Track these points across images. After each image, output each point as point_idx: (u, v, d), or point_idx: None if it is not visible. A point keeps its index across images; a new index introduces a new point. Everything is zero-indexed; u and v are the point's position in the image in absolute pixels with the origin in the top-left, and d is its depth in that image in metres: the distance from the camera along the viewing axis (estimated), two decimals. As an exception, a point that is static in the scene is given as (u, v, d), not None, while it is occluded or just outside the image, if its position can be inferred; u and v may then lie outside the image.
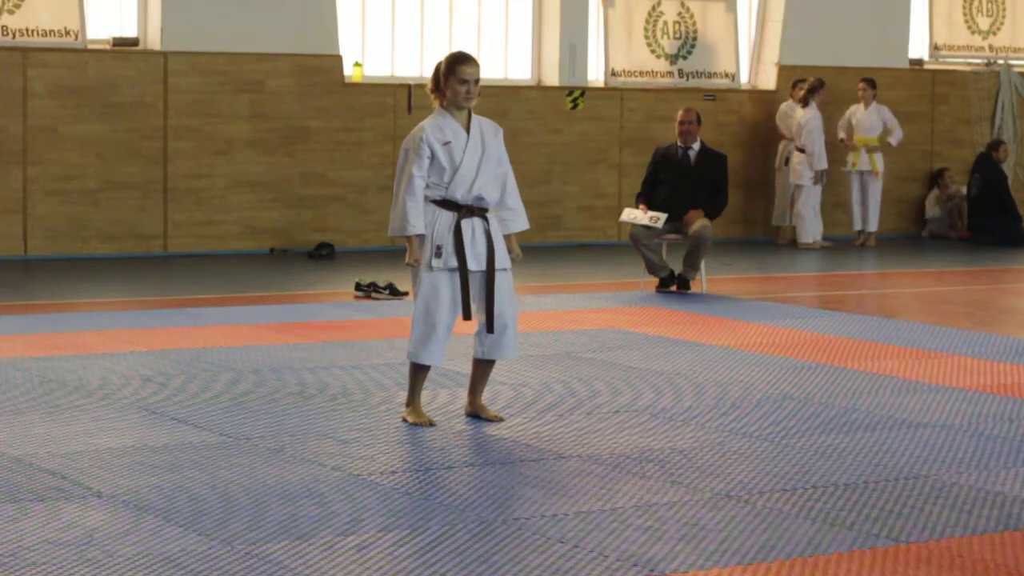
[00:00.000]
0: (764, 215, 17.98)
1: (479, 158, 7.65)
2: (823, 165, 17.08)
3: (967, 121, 19.16)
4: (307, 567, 5.33)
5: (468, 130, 7.68)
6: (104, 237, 14.81)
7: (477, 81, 7.64)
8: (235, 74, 15.25)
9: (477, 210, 7.67)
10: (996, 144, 18.45)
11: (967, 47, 19.39)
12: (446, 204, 7.65)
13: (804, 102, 17.06)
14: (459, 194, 7.63)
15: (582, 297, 12.53)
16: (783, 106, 17.60)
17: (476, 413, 7.90)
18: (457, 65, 7.63)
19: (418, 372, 7.78)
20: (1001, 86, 19.24)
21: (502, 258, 7.73)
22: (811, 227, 17.10)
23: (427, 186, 7.64)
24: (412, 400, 7.80)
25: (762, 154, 17.90)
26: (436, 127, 7.67)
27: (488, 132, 7.75)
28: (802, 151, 17.05)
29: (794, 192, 17.27)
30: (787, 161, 17.46)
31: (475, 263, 7.64)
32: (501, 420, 7.83)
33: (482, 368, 7.86)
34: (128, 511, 5.96)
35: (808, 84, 17.09)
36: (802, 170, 17.07)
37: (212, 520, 5.86)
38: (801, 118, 17.04)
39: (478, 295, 7.69)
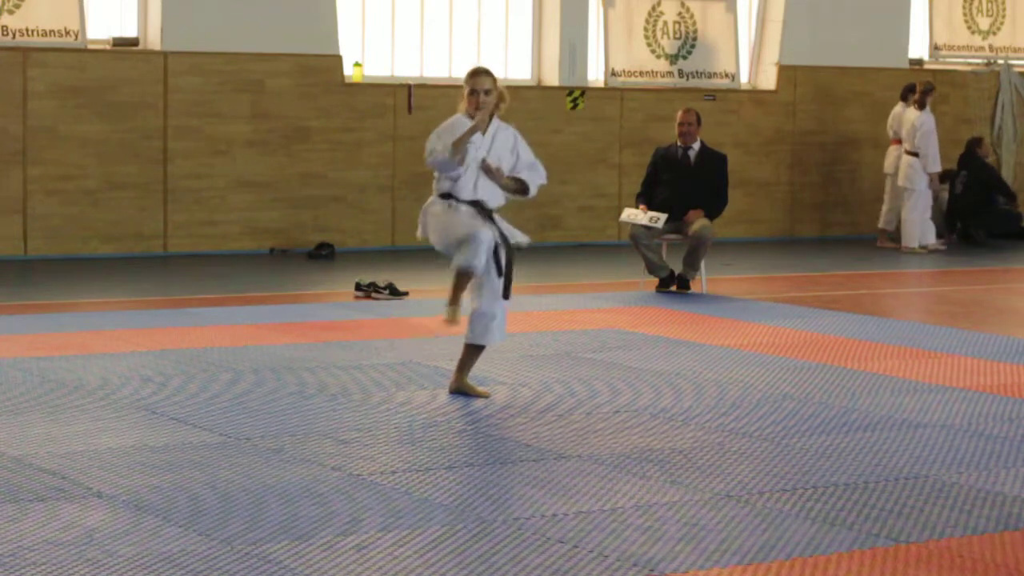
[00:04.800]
0: (769, 215, 17.98)
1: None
2: (937, 168, 16.92)
3: (967, 121, 19.15)
4: (307, 567, 5.33)
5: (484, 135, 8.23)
6: (104, 237, 14.81)
7: (488, 92, 8.17)
8: (235, 74, 15.24)
9: (480, 208, 8.22)
10: (978, 141, 18.29)
11: (967, 47, 19.39)
12: (452, 199, 8.23)
13: (921, 104, 16.89)
14: (464, 195, 8.21)
15: (582, 297, 12.53)
16: (895, 109, 17.43)
17: (462, 390, 8.31)
18: (468, 76, 8.26)
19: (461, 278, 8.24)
20: (1001, 86, 19.23)
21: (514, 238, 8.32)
22: (916, 231, 16.87)
23: (436, 178, 8.28)
24: (454, 300, 8.21)
25: (762, 154, 17.91)
26: (463, 124, 8.18)
27: (501, 140, 8.30)
28: (913, 154, 16.92)
29: (903, 196, 17.02)
30: None
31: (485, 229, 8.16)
32: (487, 396, 8.25)
33: (472, 352, 8.37)
34: (128, 511, 5.96)
35: (921, 86, 16.96)
36: (912, 173, 16.86)
37: (212, 520, 5.86)
38: (915, 120, 16.83)
39: (478, 282, 8.24)
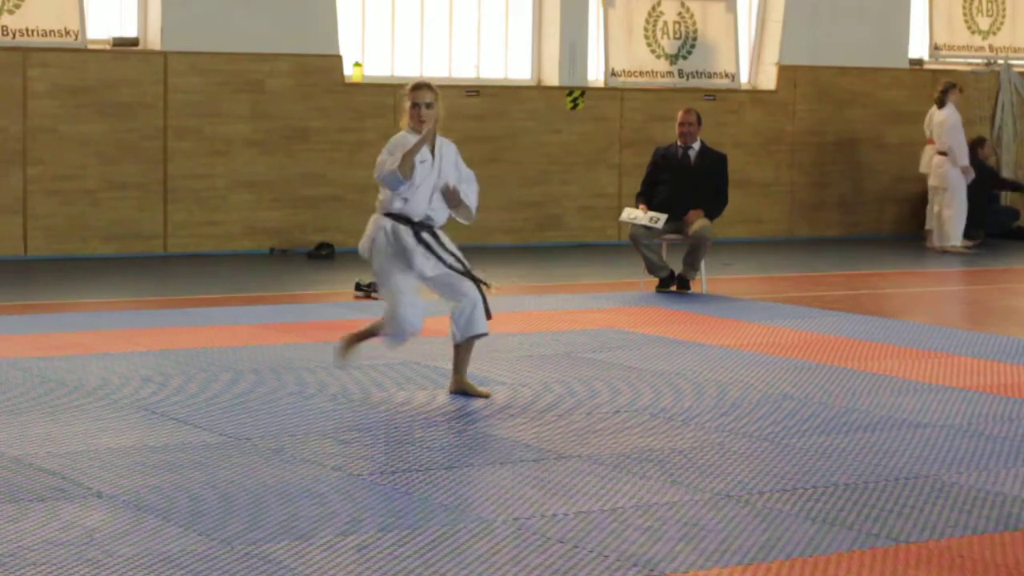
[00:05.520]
0: (769, 215, 17.97)
1: (434, 181, 8.28)
2: (964, 161, 16.89)
3: (967, 121, 19.12)
4: (307, 567, 5.33)
5: (433, 154, 8.30)
6: (104, 237, 14.81)
7: (429, 105, 8.25)
8: (235, 74, 15.24)
9: (427, 226, 8.28)
10: (980, 141, 18.29)
11: (967, 47, 19.38)
12: (401, 219, 8.25)
13: (940, 103, 16.89)
14: (414, 213, 8.25)
15: (582, 297, 12.53)
16: (931, 110, 17.38)
17: (463, 390, 8.34)
18: (411, 90, 8.34)
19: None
20: (1001, 86, 19.23)
21: (452, 262, 8.33)
22: (957, 230, 16.85)
23: (382, 197, 8.34)
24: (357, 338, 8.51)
25: (762, 154, 17.90)
26: (410, 141, 8.22)
27: (447, 156, 8.38)
28: (943, 153, 16.88)
29: (941, 196, 16.93)
30: None
31: (430, 269, 8.26)
32: (488, 396, 8.29)
33: (464, 349, 8.38)
34: (128, 511, 5.96)
35: (942, 85, 16.97)
36: (945, 172, 16.85)
37: (212, 520, 5.86)
38: (939, 118, 16.83)
39: (444, 291, 8.36)
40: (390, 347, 8.56)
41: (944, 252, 16.77)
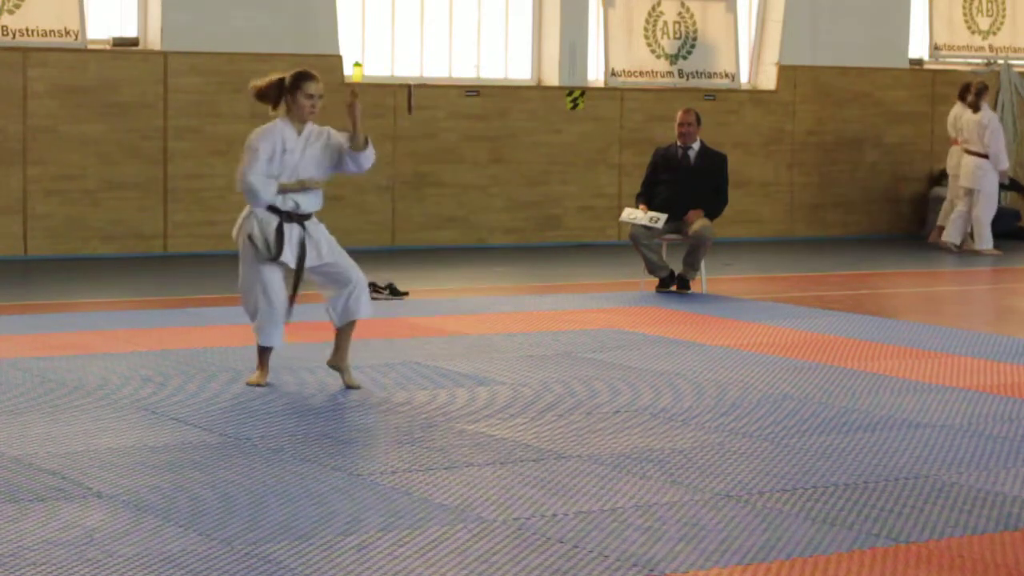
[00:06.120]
0: (769, 215, 17.97)
1: (295, 168, 8.48)
2: (1005, 165, 16.94)
3: (968, 121, 19.13)
4: (307, 567, 5.33)
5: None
6: (104, 237, 14.81)
7: (321, 96, 8.47)
8: (235, 74, 15.23)
9: (296, 216, 8.48)
10: None
11: (967, 47, 19.38)
12: (270, 208, 8.51)
13: (975, 107, 16.87)
14: (281, 201, 8.48)
15: (582, 297, 12.53)
16: (955, 110, 17.31)
17: (337, 369, 8.48)
18: (302, 81, 8.48)
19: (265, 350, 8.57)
20: (1001, 86, 19.23)
21: (328, 251, 8.57)
22: (987, 232, 16.83)
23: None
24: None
25: (762, 154, 17.90)
26: (280, 136, 8.45)
27: (313, 144, 8.58)
28: (974, 154, 16.84)
29: (972, 196, 16.90)
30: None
31: (294, 260, 8.44)
32: (358, 388, 8.41)
33: (344, 331, 8.48)
34: (128, 511, 5.96)
35: (975, 87, 16.96)
36: (981, 174, 16.83)
37: (212, 520, 5.86)
38: (982, 120, 16.81)
39: (322, 280, 8.53)
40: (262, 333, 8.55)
41: (977, 254, 16.73)
